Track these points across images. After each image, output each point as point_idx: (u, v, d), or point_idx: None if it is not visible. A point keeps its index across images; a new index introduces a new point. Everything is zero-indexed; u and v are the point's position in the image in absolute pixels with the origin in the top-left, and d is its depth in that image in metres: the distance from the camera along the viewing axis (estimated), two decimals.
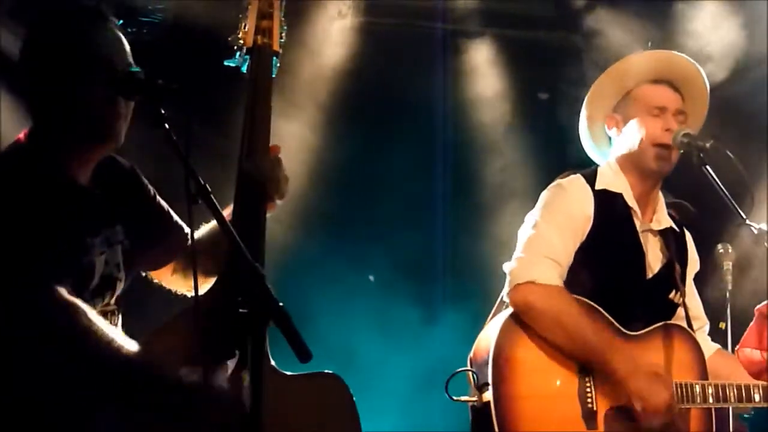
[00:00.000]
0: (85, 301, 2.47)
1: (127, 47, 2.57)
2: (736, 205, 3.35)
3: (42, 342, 2.30)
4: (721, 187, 3.36)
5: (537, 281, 3.25)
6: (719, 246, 4.34)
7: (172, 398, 2.31)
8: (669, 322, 3.50)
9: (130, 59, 2.55)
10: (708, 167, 3.38)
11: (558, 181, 3.52)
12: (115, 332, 2.39)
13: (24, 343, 2.30)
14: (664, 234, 3.57)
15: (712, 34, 4.99)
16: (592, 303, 3.32)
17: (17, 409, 2.32)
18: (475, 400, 3.23)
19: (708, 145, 3.38)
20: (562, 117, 3.87)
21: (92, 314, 2.38)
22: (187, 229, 2.83)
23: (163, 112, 2.32)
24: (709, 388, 3.40)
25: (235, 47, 2.68)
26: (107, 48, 2.51)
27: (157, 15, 4.89)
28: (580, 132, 3.66)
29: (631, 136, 3.49)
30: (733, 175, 3.37)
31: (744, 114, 5.31)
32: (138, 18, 4.74)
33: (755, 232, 3.33)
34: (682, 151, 3.44)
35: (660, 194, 3.61)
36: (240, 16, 2.69)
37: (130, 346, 2.37)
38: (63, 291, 2.35)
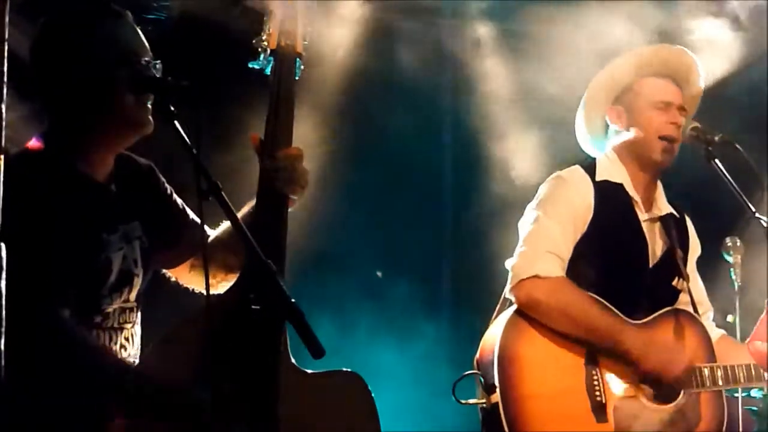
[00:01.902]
0: (102, 297, 2.50)
1: (145, 41, 2.60)
2: (746, 199, 3.34)
3: (44, 362, 2.31)
4: (730, 180, 3.36)
5: (540, 275, 3.26)
6: (727, 239, 4.31)
7: (177, 406, 2.31)
8: (674, 307, 3.52)
9: (149, 52, 2.58)
10: (717, 161, 3.39)
11: (557, 173, 3.54)
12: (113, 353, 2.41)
13: (27, 363, 2.27)
14: (665, 221, 3.59)
15: (714, 26, 4.98)
16: (595, 296, 3.33)
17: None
18: (484, 402, 3.23)
19: (717, 138, 3.40)
20: (570, 112, 3.87)
21: (92, 338, 2.41)
22: (205, 227, 2.80)
23: (173, 109, 2.33)
24: (718, 370, 3.44)
25: (259, 49, 2.69)
26: (129, 42, 2.54)
27: (161, 12, 4.90)
28: (576, 123, 3.68)
29: (636, 128, 3.51)
30: (742, 168, 3.36)
31: (747, 107, 5.30)
32: (142, 15, 4.74)
33: (765, 225, 3.32)
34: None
35: (659, 182, 3.63)
36: (264, 18, 2.69)
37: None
38: (65, 314, 2.36)
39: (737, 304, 4.16)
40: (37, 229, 2.32)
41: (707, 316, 3.71)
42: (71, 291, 2.40)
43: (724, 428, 3.45)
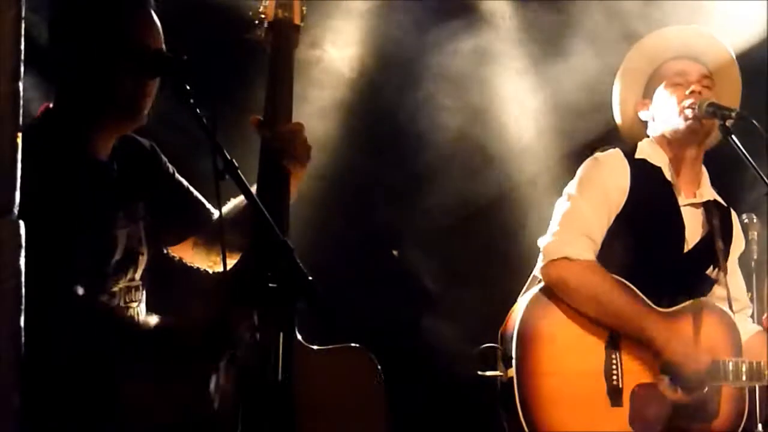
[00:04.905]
0: (108, 275, 2.50)
1: (161, 31, 2.58)
2: (763, 174, 3.31)
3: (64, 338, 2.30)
4: (747, 155, 3.33)
5: (571, 257, 3.27)
6: (744, 216, 4.29)
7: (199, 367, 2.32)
8: (703, 299, 3.48)
9: (162, 44, 2.56)
10: (733, 136, 3.36)
11: (596, 154, 3.54)
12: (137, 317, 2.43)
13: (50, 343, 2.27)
14: (707, 207, 3.56)
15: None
16: (624, 281, 3.32)
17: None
18: (502, 375, 3.24)
19: (733, 113, 3.37)
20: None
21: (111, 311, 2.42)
22: (208, 205, 2.87)
23: (188, 88, 2.32)
24: (743, 365, 3.38)
25: (256, 21, 2.67)
26: (140, 31, 2.52)
27: None
28: (613, 109, 3.68)
29: (659, 107, 3.51)
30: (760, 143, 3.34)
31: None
32: None
33: None
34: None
35: (704, 168, 3.60)
36: None
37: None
38: (80, 291, 2.36)
39: (754, 280, 4.15)
40: (45, 205, 2.28)
41: (745, 313, 3.67)
42: (80, 268, 2.40)
43: (742, 425, 3.40)
